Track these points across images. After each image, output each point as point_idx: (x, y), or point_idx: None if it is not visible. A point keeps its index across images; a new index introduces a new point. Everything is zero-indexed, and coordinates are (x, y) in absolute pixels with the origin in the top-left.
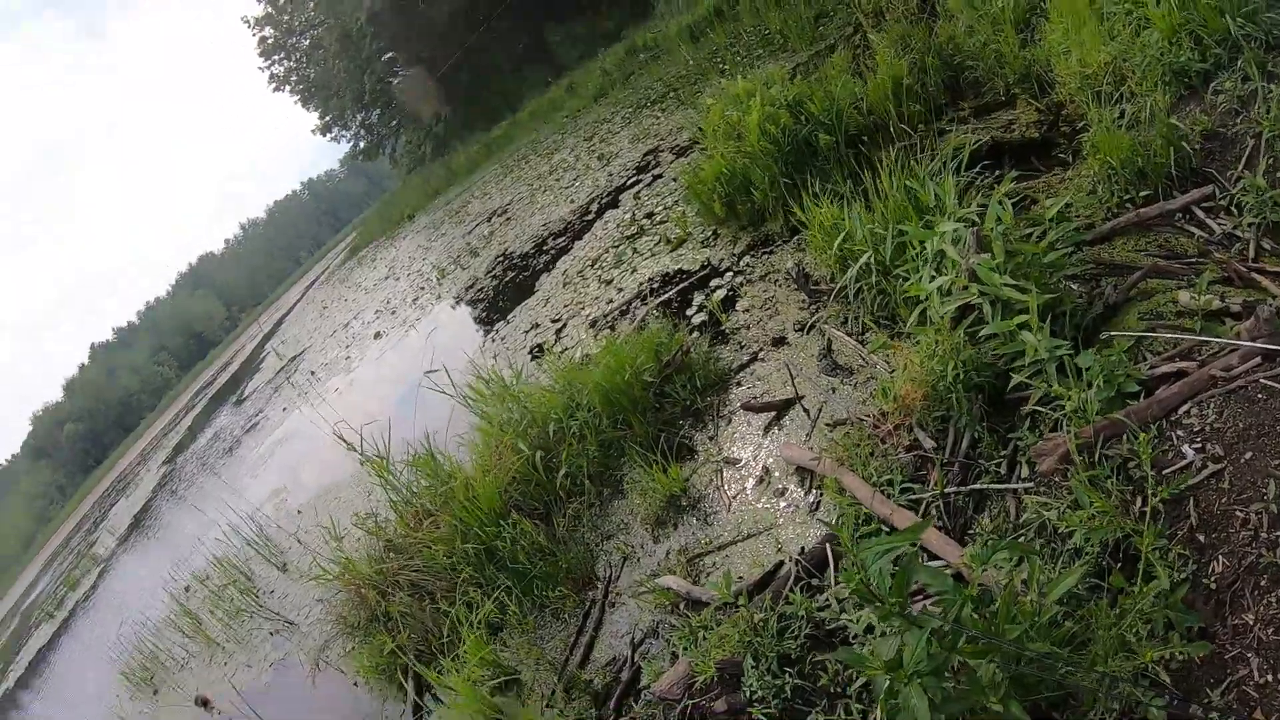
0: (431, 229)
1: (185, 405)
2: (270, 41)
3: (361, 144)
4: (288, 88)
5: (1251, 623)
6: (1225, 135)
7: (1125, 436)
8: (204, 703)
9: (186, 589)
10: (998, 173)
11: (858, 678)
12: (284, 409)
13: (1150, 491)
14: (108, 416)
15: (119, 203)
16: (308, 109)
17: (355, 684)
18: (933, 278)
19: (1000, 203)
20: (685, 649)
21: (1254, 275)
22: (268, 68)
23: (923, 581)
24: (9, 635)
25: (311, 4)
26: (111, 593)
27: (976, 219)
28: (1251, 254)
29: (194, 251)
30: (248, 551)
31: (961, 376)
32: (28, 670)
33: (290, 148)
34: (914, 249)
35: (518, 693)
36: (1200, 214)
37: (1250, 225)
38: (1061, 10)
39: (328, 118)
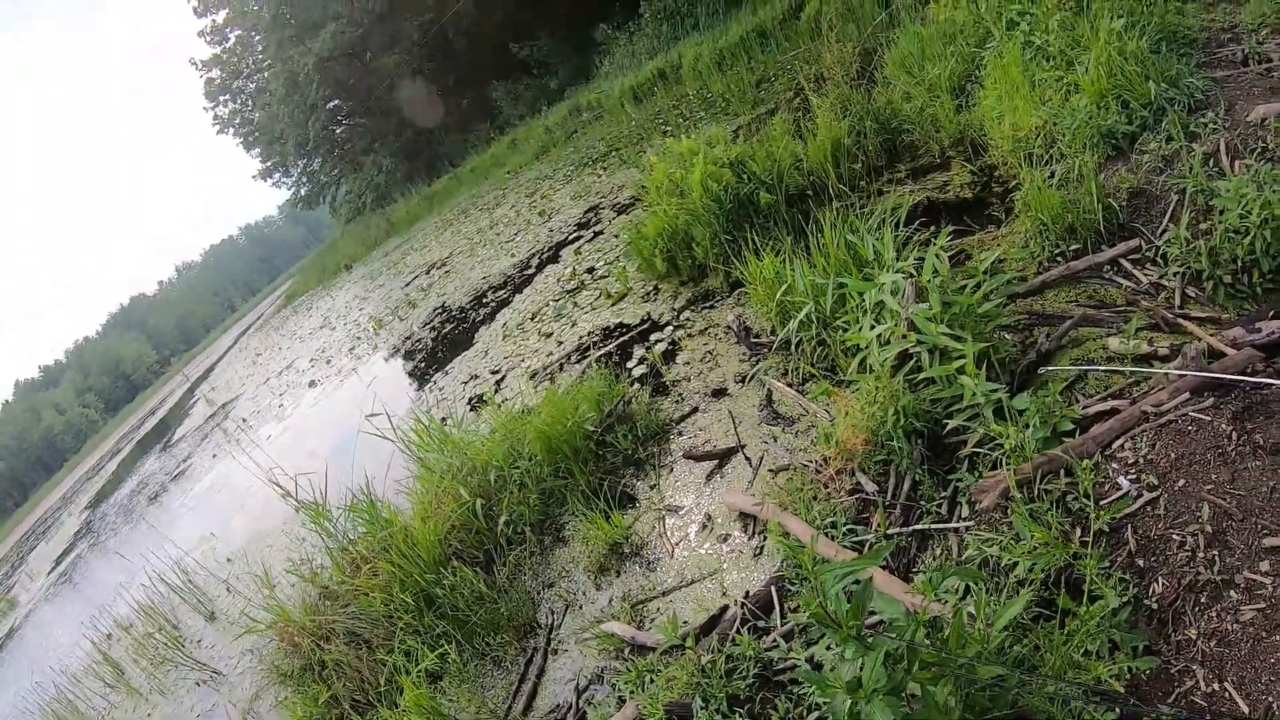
0: (369, 279)
1: (111, 449)
2: (216, 83)
3: (302, 191)
4: (231, 130)
5: (1194, 637)
6: (1150, 192)
7: (1062, 472)
8: None
9: (109, 636)
10: (933, 229)
11: (809, 714)
12: (214, 455)
13: (1092, 518)
14: (30, 456)
15: (45, 233)
16: (250, 153)
17: None
18: (873, 327)
19: (937, 255)
20: (632, 693)
21: (1180, 320)
22: (212, 108)
23: (877, 608)
24: None
25: (260, 48)
26: (29, 639)
27: (913, 271)
28: (1177, 301)
29: (126, 291)
30: (174, 599)
31: (901, 421)
32: None
33: (231, 191)
34: (854, 300)
35: None
36: (1128, 265)
37: (1175, 274)
38: (996, 78)
39: (270, 162)
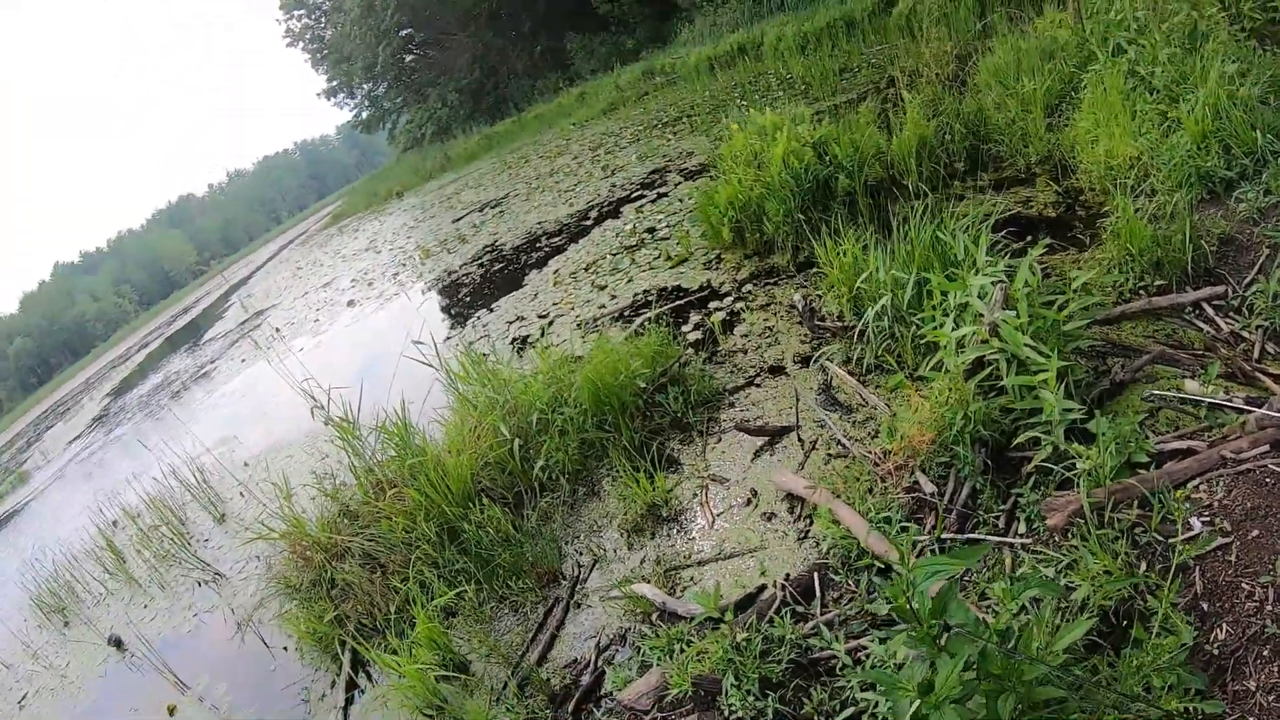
0: (420, 210)
1: (140, 341)
2: None
3: (364, 114)
4: (301, 44)
5: (1254, 689)
6: (1241, 241)
7: (1135, 503)
8: (117, 643)
9: (115, 523)
10: (1017, 241)
11: (843, 709)
12: (243, 360)
13: (1175, 553)
14: (59, 338)
15: (106, 126)
16: (317, 70)
17: (285, 648)
18: (955, 327)
19: (1031, 267)
20: (659, 660)
21: (1257, 374)
22: (286, 20)
23: (953, 613)
24: None
25: None
26: (35, 515)
27: (1004, 277)
28: (1256, 354)
29: (175, 190)
30: (185, 496)
31: (969, 427)
32: None
33: (293, 106)
34: (935, 298)
35: (464, 683)
36: (1210, 311)
37: (1258, 328)
38: (1094, 102)
39: (335, 82)
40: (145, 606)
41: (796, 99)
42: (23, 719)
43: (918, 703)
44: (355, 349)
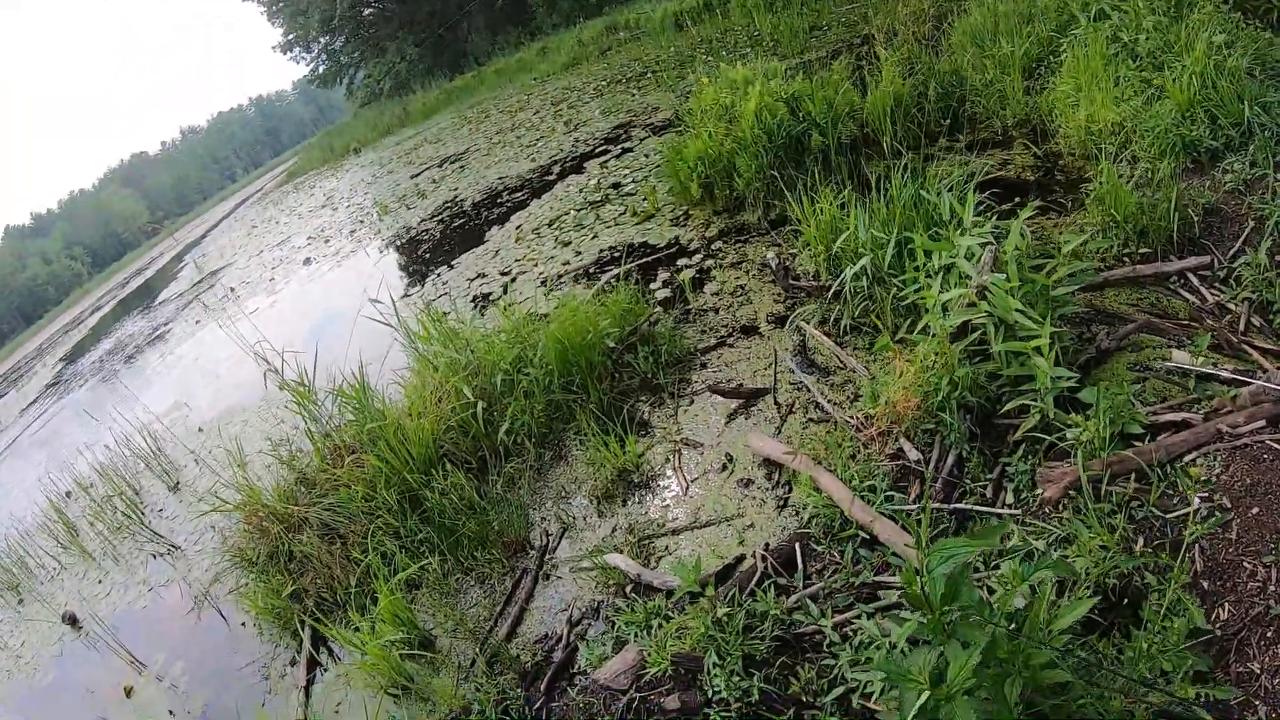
0: (378, 165)
1: (92, 304)
2: None
3: (320, 69)
4: None
5: (1258, 671)
6: (1226, 212)
7: (1133, 476)
8: (71, 620)
9: (68, 494)
10: (1002, 206)
11: (832, 688)
12: (196, 322)
13: (1178, 531)
14: (10, 303)
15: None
16: (273, 24)
17: (243, 624)
18: (942, 290)
19: (1021, 230)
20: (635, 635)
21: (1244, 346)
22: None
23: (964, 598)
24: None
25: None
26: None
27: (992, 239)
28: (1242, 326)
29: (128, 148)
30: (138, 465)
31: (955, 392)
32: None
33: (247, 61)
34: (919, 259)
35: (430, 660)
36: (1195, 281)
37: (1245, 300)
38: (1076, 67)
39: (291, 36)
40: (100, 581)
41: (766, 55)
42: None
43: (926, 694)
44: (311, 308)
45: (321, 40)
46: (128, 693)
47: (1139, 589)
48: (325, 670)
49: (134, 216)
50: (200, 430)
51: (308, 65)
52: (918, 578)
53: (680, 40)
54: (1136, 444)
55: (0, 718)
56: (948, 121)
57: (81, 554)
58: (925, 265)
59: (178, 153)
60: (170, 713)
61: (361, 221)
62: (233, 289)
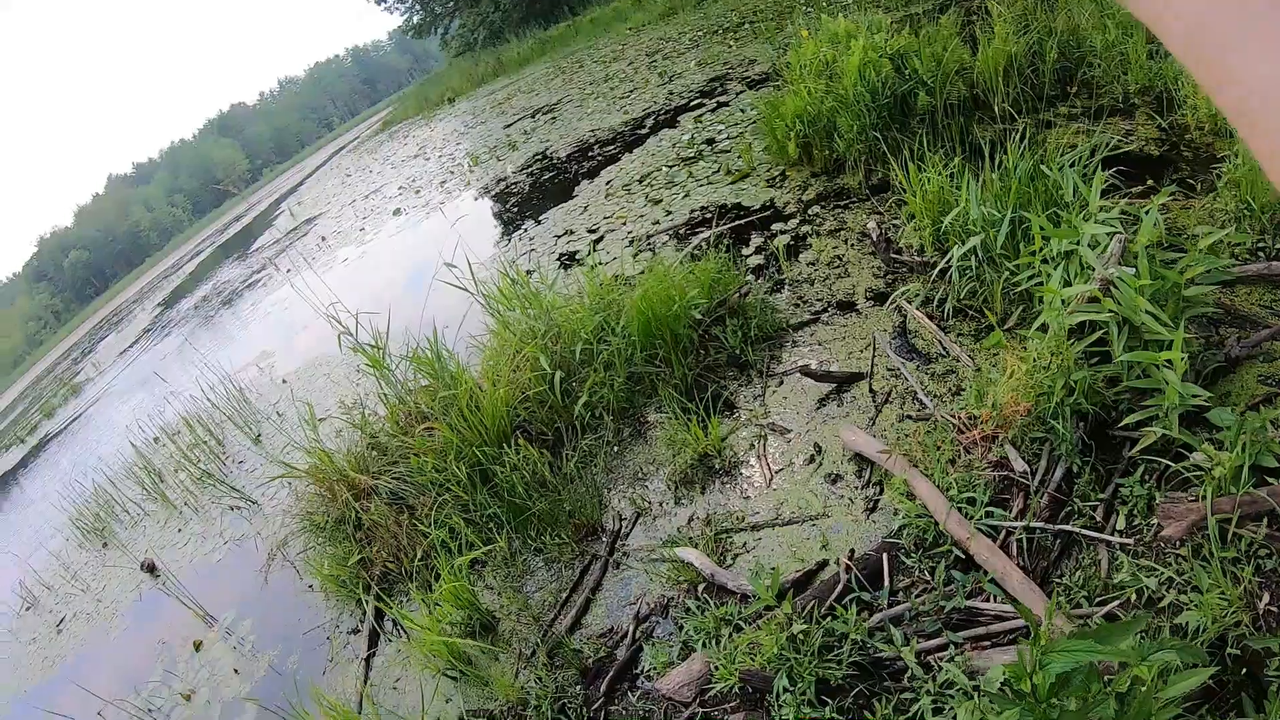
0: (471, 115)
1: (192, 250)
2: None
3: (415, 19)
4: None
5: None
6: None
7: (1265, 520)
8: (149, 568)
9: (155, 440)
10: (1130, 186)
11: None
12: (288, 270)
13: None
14: (114, 249)
15: (152, 33)
16: None
17: (309, 587)
18: (1065, 281)
19: (1155, 219)
20: (703, 645)
21: None
22: None
23: (1075, 690)
24: None
25: None
26: (82, 431)
27: (1120, 227)
28: None
29: (226, 99)
30: (222, 414)
31: (1070, 399)
32: None
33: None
34: (1035, 243)
35: (491, 644)
36: None
37: None
38: None
39: None
40: (179, 530)
41: (869, 8)
42: (60, 644)
43: None
44: (397, 262)
45: None
46: (197, 647)
47: (1258, 653)
48: (389, 641)
49: (233, 165)
50: (284, 381)
51: (402, 15)
52: (1027, 675)
53: None
54: (1270, 480)
55: (80, 664)
56: (1067, 86)
57: (164, 502)
58: (1043, 250)
59: (276, 103)
60: (235, 670)
61: (452, 172)
62: (324, 238)
